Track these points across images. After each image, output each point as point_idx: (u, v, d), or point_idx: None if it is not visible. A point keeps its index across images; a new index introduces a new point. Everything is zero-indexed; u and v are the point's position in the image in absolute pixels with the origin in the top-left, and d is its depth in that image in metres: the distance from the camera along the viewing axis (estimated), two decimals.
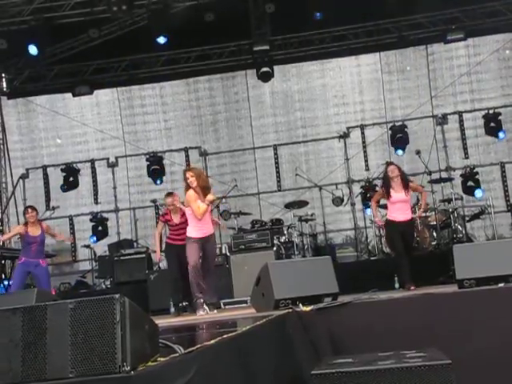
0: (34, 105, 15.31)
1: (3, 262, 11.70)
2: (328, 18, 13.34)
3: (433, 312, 5.96)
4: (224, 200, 12.92)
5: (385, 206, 11.87)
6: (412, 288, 8.13)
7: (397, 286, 9.45)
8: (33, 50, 13.04)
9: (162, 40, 13.29)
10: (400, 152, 13.75)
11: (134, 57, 14.60)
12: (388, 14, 13.53)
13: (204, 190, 8.03)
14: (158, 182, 14.50)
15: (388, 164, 9.38)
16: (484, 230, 13.08)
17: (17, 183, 14.46)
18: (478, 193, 13.29)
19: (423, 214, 10.54)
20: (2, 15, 12.24)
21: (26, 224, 9.46)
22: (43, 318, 2.43)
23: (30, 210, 9.45)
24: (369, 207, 12.79)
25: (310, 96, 15.24)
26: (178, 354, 2.82)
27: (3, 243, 13.49)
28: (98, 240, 14.09)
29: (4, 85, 15.11)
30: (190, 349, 2.98)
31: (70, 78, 14.73)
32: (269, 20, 13.22)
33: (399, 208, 8.73)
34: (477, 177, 13.54)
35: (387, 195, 8.77)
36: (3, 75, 15.04)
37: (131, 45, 13.74)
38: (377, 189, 13.12)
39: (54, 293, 10.09)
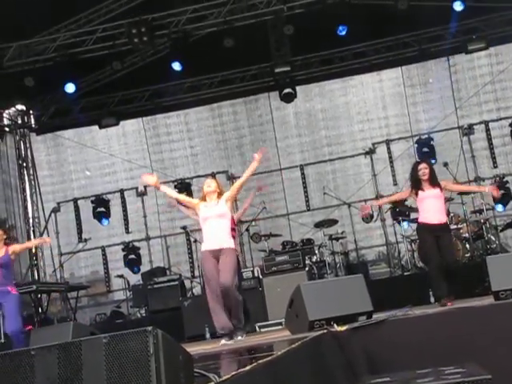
0: (62, 139, 15.54)
1: (39, 296, 11.82)
2: (348, 35, 13.37)
3: (470, 326, 5.88)
4: (254, 223, 12.95)
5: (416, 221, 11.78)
6: (449, 304, 7.36)
7: (432, 300, 9.33)
8: (70, 88, 13.29)
9: (177, 66, 13.37)
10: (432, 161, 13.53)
11: (157, 86, 14.78)
12: (408, 27, 13.55)
13: (219, 195, 7.58)
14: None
15: (420, 162, 8.46)
16: None
17: (49, 217, 14.67)
18: (499, 207, 13.13)
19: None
20: (28, 54, 12.51)
21: None
22: (78, 353, 2.46)
23: None
24: (400, 222, 12.71)
25: (333, 114, 15.24)
26: (213, 383, 2.83)
27: (38, 277, 13.69)
28: (138, 270, 14.11)
29: (32, 121, 15.40)
30: (226, 377, 2.98)
31: (96, 110, 14.96)
32: (288, 41, 13.32)
33: (431, 206, 7.79)
34: (507, 185, 13.39)
35: (416, 193, 7.91)
36: (31, 112, 15.33)
37: (154, 74, 13.94)
38: (406, 203, 13.08)
39: (27, 327, 8.69)
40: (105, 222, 14.74)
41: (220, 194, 7.59)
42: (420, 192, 7.88)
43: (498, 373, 4.24)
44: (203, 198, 7.58)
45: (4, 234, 8.48)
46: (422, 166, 8.03)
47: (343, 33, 13.11)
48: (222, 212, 7.39)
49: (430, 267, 8.02)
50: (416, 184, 7.96)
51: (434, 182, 7.93)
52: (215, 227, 7.29)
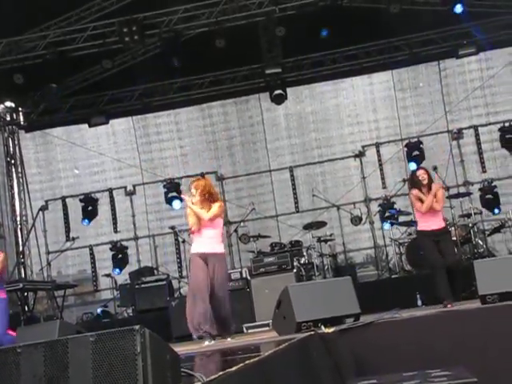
0: (51, 137, 15.47)
1: (26, 294, 11.76)
2: (339, 38, 13.40)
3: (456, 329, 5.91)
4: (242, 224, 12.95)
5: (407, 223, 11.80)
6: (449, 306, 7.56)
7: (419, 303, 9.37)
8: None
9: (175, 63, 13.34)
10: (414, 165, 13.54)
11: (147, 85, 14.75)
12: (399, 31, 13.59)
13: (210, 197, 7.49)
14: (177, 208, 14.56)
15: (417, 169, 8.84)
16: (505, 244, 12.95)
17: (37, 215, 14.55)
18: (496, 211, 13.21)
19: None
20: (18, 50, 12.44)
21: None
22: (65, 351, 2.45)
23: None
24: (386, 221, 12.73)
25: (324, 116, 15.26)
26: (200, 383, 2.82)
27: (25, 276, 13.63)
28: (121, 271, 14.09)
29: (21, 118, 15.29)
30: (213, 377, 2.98)
31: (86, 108, 14.90)
32: (280, 43, 13.32)
33: (431, 215, 8.16)
34: (495, 190, 13.46)
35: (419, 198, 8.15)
36: (20, 109, 15.25)
37: (144, 73, 13.90)
38: (395, 206, 13.13)
39: (10, 332, 8.15)
40: (85, 222, 14.61)
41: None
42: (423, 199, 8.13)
43: (484, 376, 4.25)
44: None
45: None
46: (421, 171, 8.39)
47: (324, 34, 13.15)
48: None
49: (433, 268, 8.21)
50: (418, 187, 8.20)
51: (431, 188, 8.18)
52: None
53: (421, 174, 8.32)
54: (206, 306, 7.24)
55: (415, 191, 8.24)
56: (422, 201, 8.14)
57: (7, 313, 8.06)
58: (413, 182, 8.46)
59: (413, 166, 13.60)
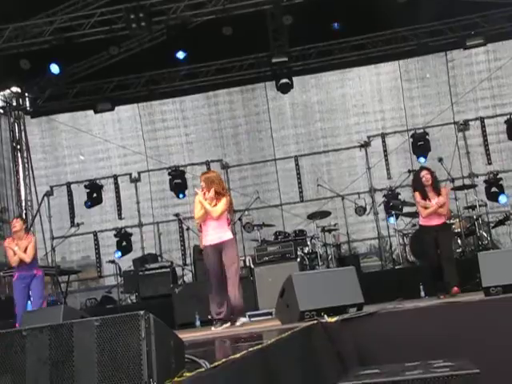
0: (57, 123, 15.48)
1: None
2: (346, 28, 13.34)
3: (460, 320, 5.90)
4: (247, 212, 12.95)
5: (411, 214, 11.78)
6: (442, 297, 7.97)
7: (422, 294, 9.38)
8: (55, 68, 13.22)
9: (181, 55, 13.42)
10: (422, 159, 13.66)
11: (153, 72, 14.72)
12: (406, 21, 13.53)
13: (217, 194, 7.70)
14: (181, 195, 14.59)
15: (421, 169, 8.97)
16: (509, 236, 12.91)
17: (41, 201, 14.61)
18: (503, 198, 13.16)
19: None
20: (24, 36, 12.42)
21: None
22: (70, 335, 2.46)
23: (14, 221, 9.11)
24: (392, 216, 12.72)
25: (329, 106, 15.22)
26: (203, 369, 2.83)
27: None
28: (122, 255, 14.18)
29: (27, 104, 15.32)
30: (216, 363, 2.99)
31: (92, 95, 14.90)
32: (287, 31, 13.27)
33: (433, 214, 8.44)
34: (500, 182, 13.43)
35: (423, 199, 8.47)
36: (26, 94, 15.25)
37: (151, 60, 13.88)
38: (399, 197, 13.12)
39: (44, 305, 9.19)
40: (88, 204, 14.65)
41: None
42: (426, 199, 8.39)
43: (486, 367, 4.26)
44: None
45: (23, 224, 9.10)
46: (424, 172, 8.52)
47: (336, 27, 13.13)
48: None
49: (429, 262, 8.67)
50: (423, 194, 8.41)
51: (437, 188, 8.45)
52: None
53: (424, 175, 8.46)
54: (215, 295, 7.63)
55: (418, 197, 8.45)
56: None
57: (43, 288, 9.14)
58: (416, 181, 8.69)
59: (421, 160, 13.59)
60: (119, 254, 14.18)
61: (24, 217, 14.67)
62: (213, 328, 7.49)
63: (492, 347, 5.55)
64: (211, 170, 8.54)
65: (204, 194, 7.67)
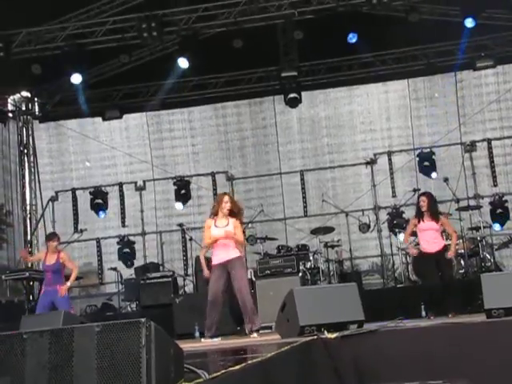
0: (65, 128, 15.52)
1: (31, 283, 11.82)
2: (356, 45, 13.37)
3: (460, 342, 5.87)
4: (250, 225, 12.94)
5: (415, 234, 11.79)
6: (431, 318, 8.32)
7: (423, 314, 9.35)
8: (76, 78, 13.17)
9: (183, 63, 13.10)
10: (434, 175, 13.72)
11: (163, 82, 14.78)
12: (416, 40, 13.58)
13: (232, 213, 8.07)
14: (180, 208, 14.71)
15: (420, 194, 9.37)
16: None
17: (46, 205, 14.65)
18: (496, 226, 13.15)
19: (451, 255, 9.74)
20: (37, 41, 12.50)
21: (46, 251, 9.46)
22: (70, 340, 2.46)
23: (54, 239, 9.43)
24: (396, 234, 12.73)
25: (337, 122, 15.24)
26: (202, 380, 2.83)
27: (32, 265, 13.67)
28: (132, 264, 14.18)
29: (36, 109, 15.38)
30: (215, 374, 2.98)
31: (101, 102, 14.97)
32: (297, 46, 13.32)
33: (429, 238, 8.73)
34: (506, 205, 13.40)
35: (418, 221, 8.83)
36: (36, 99, 15.32)
37: (161, 70, 13.94)
38: (403, 216, 13.10)
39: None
40: (102, 214, 14.73)
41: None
42: (420, 223, 8.80)
43: None
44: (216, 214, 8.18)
45: (56, 243, 9.33)
46: (421, 198, 8.95)
47: (353, 40, 13.06)
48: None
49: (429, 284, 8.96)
50: (419, 214, 8.86)
51: (433, 214, 8.76)
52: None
53: (421, 200, 8.85)
54: (210, 317, 7.91)
55: (409, 231, 9.19)
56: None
57: (70, 304, 9.56)
58: (417, 206, 9.06)
59: (433, 175, 13.65)
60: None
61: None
62: (202, 340, 7.86)
63: (492, 369, 5.51)
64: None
65: (215, 221, 8.01)
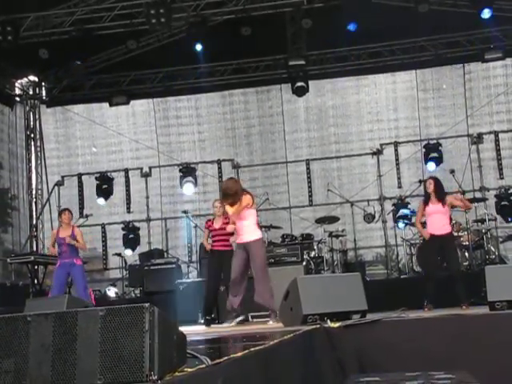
0: (72, 113, 15.54)
1: (36, 267, 11.86)
2: (364, 35, 13.31)
3: (463, 333, 5.89)
4: None
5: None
6: (426, 309, 8.27)
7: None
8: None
9: (198, 47, 13.34)
10: (433, 166, 13.65)
11: (170, 68, 14.76)
12: (425, 31, 13.50)
13: (234, 199, 8.23)
14: (189, 193, 14.66)
15: (428, 178, 9.34)
16: None
17: (52, 190, 14.68)
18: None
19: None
20: (45, 26, 12.48)
21: (59, 227, 9.66)
22: (74, 324, 2.47)
23: (66, 212, 9.66)
24: (401, 222, 12.72)
25: (344, 112, 15.20)
26: (204, 366, 2.84)
27: (37, 248, 13.74)
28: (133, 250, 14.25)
29: (43, 93, 15.38)
30: (217, 360, 2.99)
31: (108, 88, 14.97)
32: (305, 35, 13.27)
33: (436, 220, 8.62)
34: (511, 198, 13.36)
35: (424, 207, 8.77)
36: (43, 84, 15.32)
37: (168, 56, 13.91)
38: (409, 206, 13.09)
39: (91, 293, 10.42)
40: (101, 200, 14.70)
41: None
42: (427, 207, 8.72)
43: (487, 381, 4.24)
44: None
45: (70, 218, 9.62)
46: (428, 181, 8.94)
47: (352, 29, 13.00)
48: None
49: (427, 271, 9.09)
50: (426, 198, 8.85)
51: (439, 196, 8.67)
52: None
53: (428, 182, 8.87)
54: (232, 296, 8.30)
55: (419, 216, 9.01)
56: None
57: (85, 276, 9.80)
58: (424, 190, 9.13)
59: (431, 166, 13.59)
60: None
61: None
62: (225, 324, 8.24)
63: (494, 361, 5.53)
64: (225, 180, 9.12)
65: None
